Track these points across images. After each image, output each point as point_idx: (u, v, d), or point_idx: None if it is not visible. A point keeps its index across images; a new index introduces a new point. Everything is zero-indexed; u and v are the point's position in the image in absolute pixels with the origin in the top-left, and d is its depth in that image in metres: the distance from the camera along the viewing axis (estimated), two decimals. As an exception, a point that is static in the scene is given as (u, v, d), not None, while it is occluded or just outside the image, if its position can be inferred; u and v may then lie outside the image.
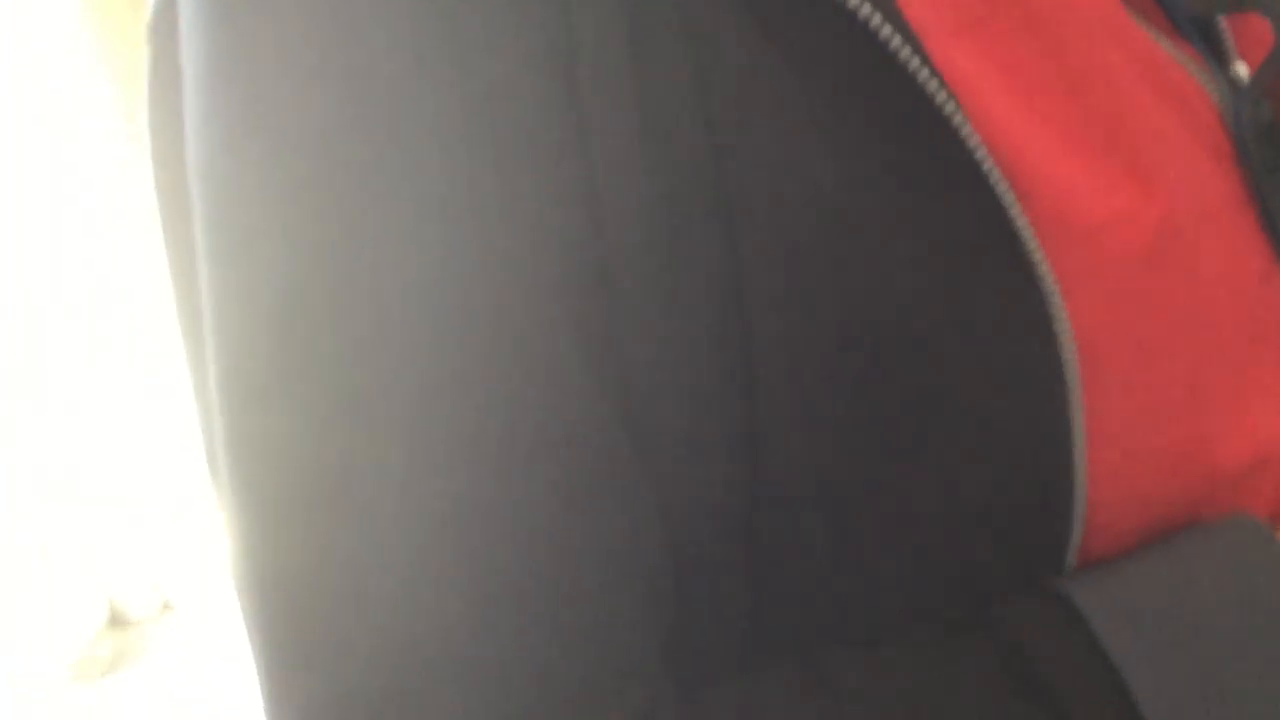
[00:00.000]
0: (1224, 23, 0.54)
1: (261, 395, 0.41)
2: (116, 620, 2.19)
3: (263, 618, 0.41)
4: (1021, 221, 0.44)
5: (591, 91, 0.41)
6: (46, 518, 2.01)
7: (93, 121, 2.02)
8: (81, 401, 2.04)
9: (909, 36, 0.43)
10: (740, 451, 0.43)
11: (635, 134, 0.42)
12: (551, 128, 0.41)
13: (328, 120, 0.40)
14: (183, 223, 0.45)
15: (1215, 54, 0.53)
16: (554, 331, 0.41)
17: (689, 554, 0.43)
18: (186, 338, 0.47)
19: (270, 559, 0.41)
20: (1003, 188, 0.43)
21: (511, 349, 0.40)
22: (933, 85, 0.43)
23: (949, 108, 0.43)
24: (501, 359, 0.40)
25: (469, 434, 0.40)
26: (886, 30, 0.43)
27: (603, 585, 0.41)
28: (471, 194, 0.40)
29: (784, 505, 0.43)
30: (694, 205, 0.42)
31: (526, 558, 0.40)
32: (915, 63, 0.43)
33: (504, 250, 0.40)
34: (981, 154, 0.43)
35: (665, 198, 0.42)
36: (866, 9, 0.43)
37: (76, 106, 1.99)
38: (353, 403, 0.40)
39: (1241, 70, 0.52)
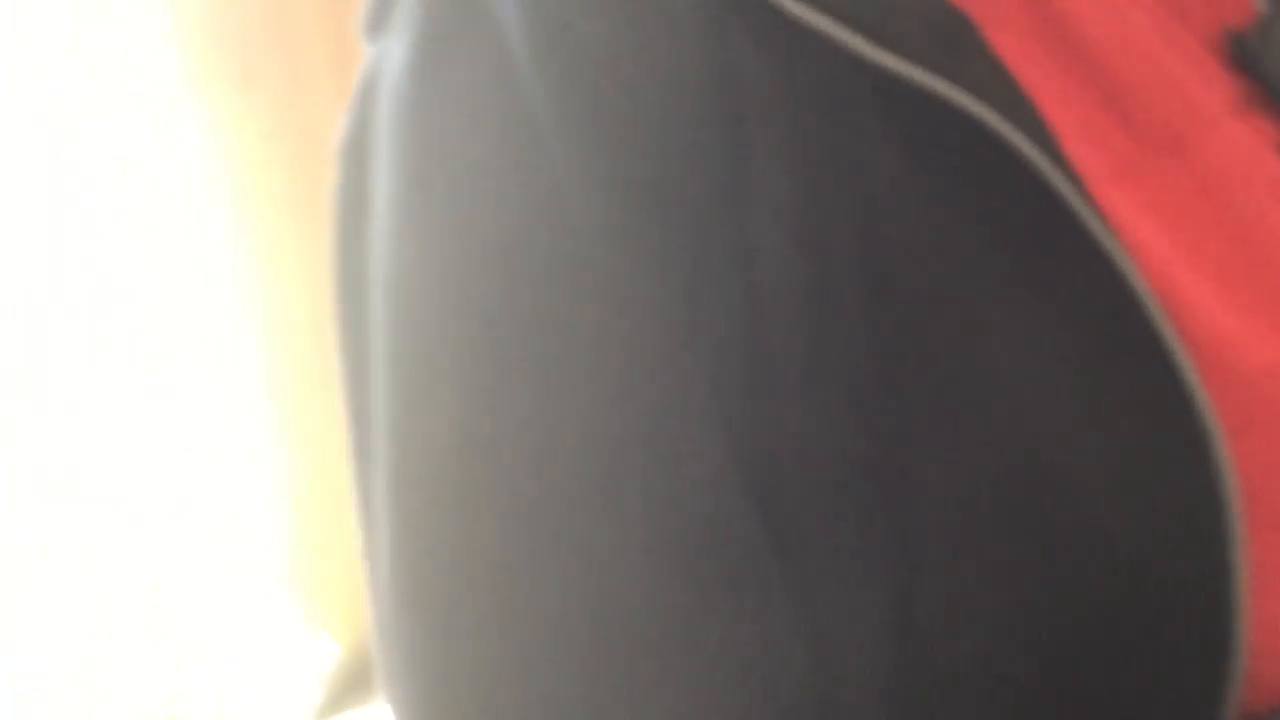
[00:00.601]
0: None
1: (434, 506, 0.43)
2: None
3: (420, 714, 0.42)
4: (1185, 365, 0.43)
5: (759, 210, 0.43)
6: (46, 518, 2.00)
7: (93, 121, 2.02)
8: (81, 401, 2.04)
9: (1073, 179, 0.44)
10: (889, 574, 0.43)
11: (796, 255, 0.43)
12: (719, 241, 0.42)
13: (509, 243, 0.43)
14: (359, 335, 0.47)
15: None
16: (708, 446, 0.42)
17: (832, 678, 0.43)
18: (355, 456, 0.48)
19: (427, 664, 0.42)
20: (1167, 331, 0.43)
21: (666, 463, 0.42)
22: (1096, 227, 0.43)
23: (1113, 251, 0.43)
24: (657, 472, 0.42)
25: (622, 543, 0.41)
26: (1054, 174, 0.43)
27: (744, 699, 0.41)
28: (641, 312, 0.42)
29: (934, 638, 0.43)
30: (849, 331, 0.43)
31: (667, 663, 0.41)
32: (1078, 205, 0.43)
33: (667, 365, 0.42)
34: (1146, 298, 0.43)
35: (822, 317, 0.43)
36: (1034, 151, 0.43)
37: (76, 106, 1.99)
38: (520, 515, 0.41)
39: None
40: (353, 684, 2.55)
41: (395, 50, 0.46)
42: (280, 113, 2.51)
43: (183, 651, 2.20)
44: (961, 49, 0.45)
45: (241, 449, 2.38)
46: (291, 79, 2.54)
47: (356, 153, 0.48)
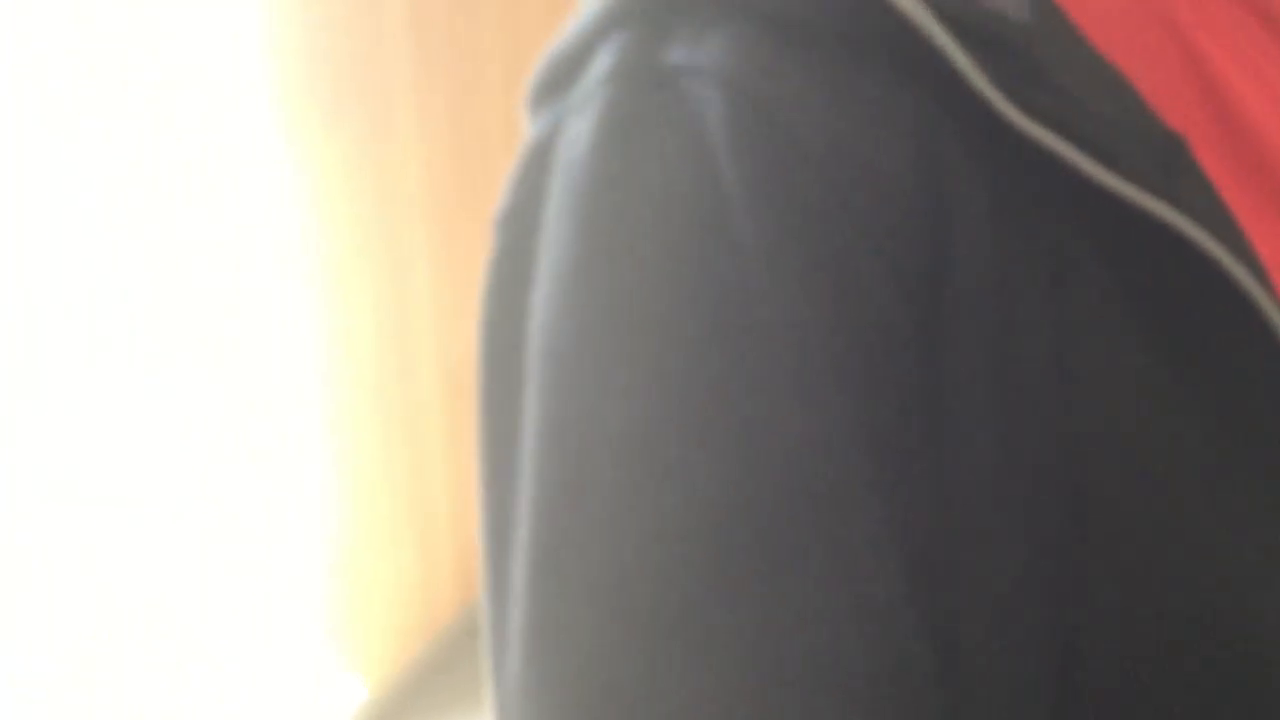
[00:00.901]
0: None
1: (580, 590, 0.41)
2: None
3: None
4: None
5: (953, 316, 0.42)
6: (46, 518, 2.00)
7: (94, 121, 2.02)
8: (81, 401, 2.04)
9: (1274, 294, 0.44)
10: (1047, 673, 0.43)
11: (988, 364, 0.42)
12: (909, 345, 0.42)
13: (687, 330, 0.41)
14: (507, 405, 0.45)
15: None
16: (875, 539, 0.41)
17: None
18: (490, 539, 0.46)
19: None
20: None
21: (831, 557, 0.40)
22: None
23: None
24: (822, 567, 0.40)
25: (777, 653, 0.40)
26: (1274, 310, 0.43)
27: None
28: (820, 414, 0.41)
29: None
30: (1037, 430, 0.42)
31: None
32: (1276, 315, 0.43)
33: (846, 469, 0.41)
34: None
35: (1010, 432, 0.42)
36: (1255, 285, 0.43)
37: (78, 106, 1.99)
38: (672, 608, 0.40)
39: None
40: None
41: (575, 124, 0.44)
42: (363, 151, 2.55)
43: (187, 658, 2.20)
44: (1179, 171, 0.44)
45: (292, 487, 2.39)
46: (376, 122, 2.58)
47: (523, 223, 0.46)
